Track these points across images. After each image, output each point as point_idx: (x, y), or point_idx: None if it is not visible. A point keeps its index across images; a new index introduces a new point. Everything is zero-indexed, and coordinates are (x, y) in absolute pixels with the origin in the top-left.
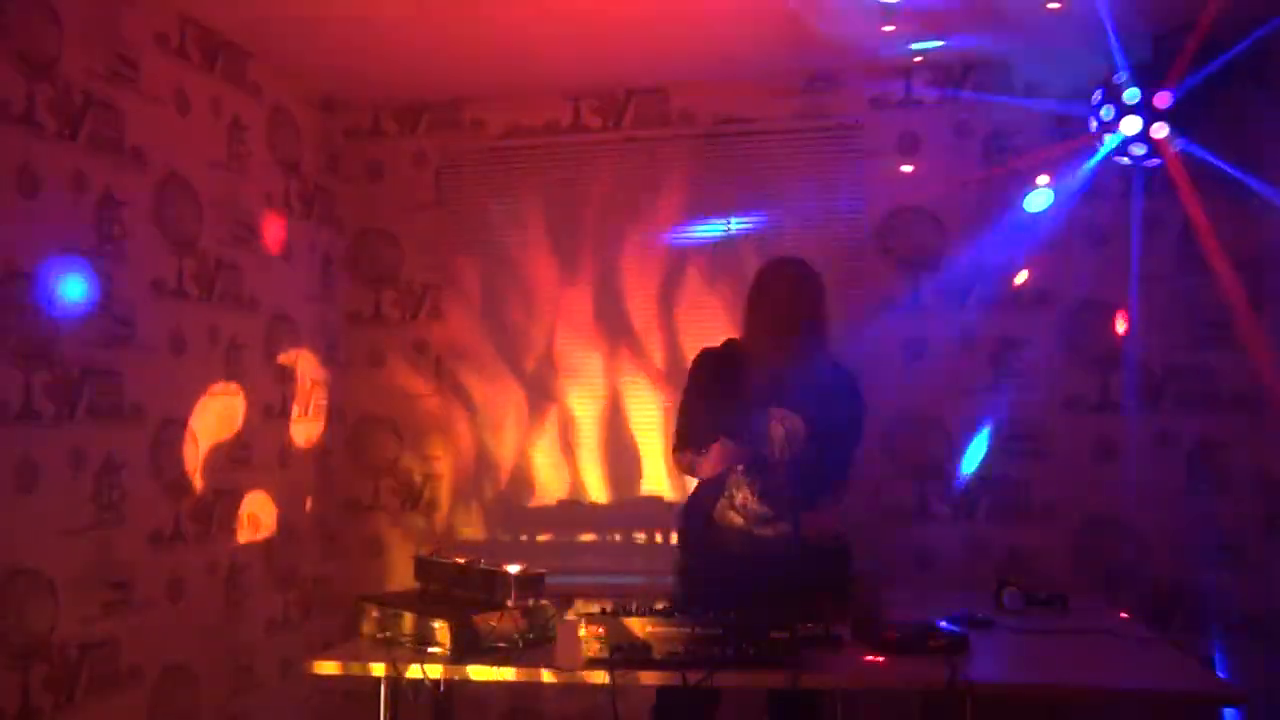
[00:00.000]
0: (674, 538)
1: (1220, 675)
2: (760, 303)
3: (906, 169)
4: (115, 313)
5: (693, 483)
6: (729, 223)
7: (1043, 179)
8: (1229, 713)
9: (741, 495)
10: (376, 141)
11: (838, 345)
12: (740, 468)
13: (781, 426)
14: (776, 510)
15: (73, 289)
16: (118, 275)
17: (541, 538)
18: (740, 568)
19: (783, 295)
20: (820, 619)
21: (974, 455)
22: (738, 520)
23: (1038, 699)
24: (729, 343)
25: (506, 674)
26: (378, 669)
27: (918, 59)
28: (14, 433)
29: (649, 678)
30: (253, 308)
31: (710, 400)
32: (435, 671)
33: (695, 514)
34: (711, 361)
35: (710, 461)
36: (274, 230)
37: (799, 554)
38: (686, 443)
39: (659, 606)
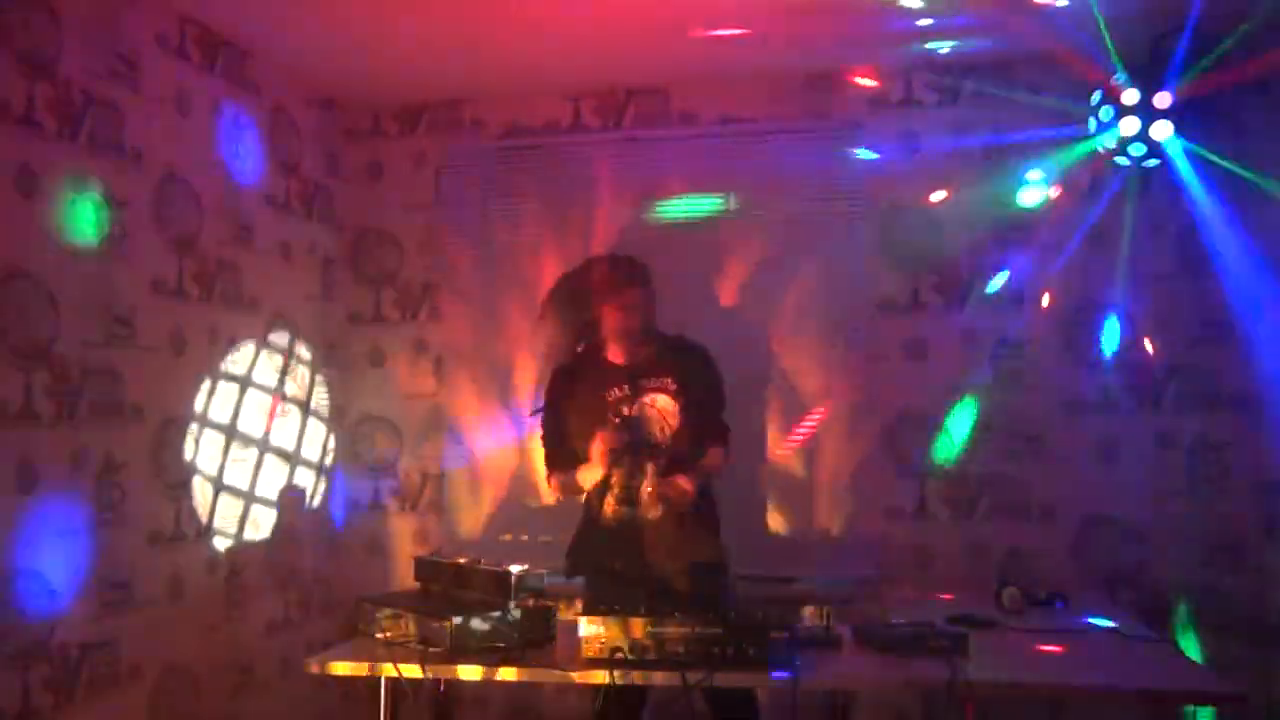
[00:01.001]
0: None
1: (1219, 675)
2: (604, 300)
3: (937, 197)
4: (115, 313)
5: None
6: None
7: (1042, 179)
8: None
9: (643, 482)
10: (376, 141)
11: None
12: (626, 459)
13: (654, 408)
14: (667, 486)
15: (73, 289)
16: (118, 275)
17: (542, 538)
18: (647, 557)
19: (616, 294)
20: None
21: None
22: (624, 512)
23: (1038, 699)
24: (580, 354)
25: (506, 674)
26: (378, 669)
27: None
28: (14, 433)
29: (649, 678)
30: (253, 308)
31: (575, 413)
32: (435, 671)
33: (585, 534)
34: (567, 377)
35: (589, 464)
36: (274, 230)
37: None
38: (560, 464)
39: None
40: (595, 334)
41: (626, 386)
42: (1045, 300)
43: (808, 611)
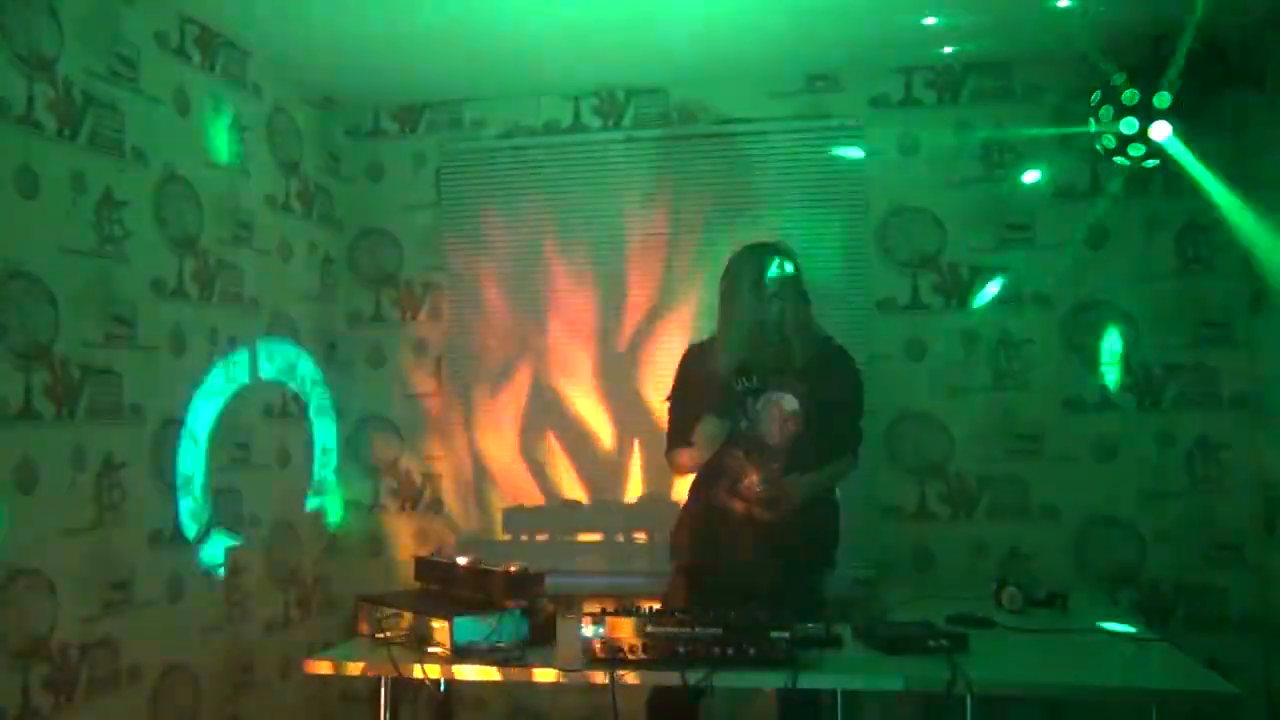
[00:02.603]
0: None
1: (1219, 675)
2: (738, 289)
3: (937, 198)
4: (115, 313)
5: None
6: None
7: (1042, 179)
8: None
9: (747, 480)
10: (376, 141)
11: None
12: (740, 453)
13: (778, 408)
14: (779, 490)
15: (73, 289)
16: (118, 275)
17: (541, 538)
18: (743, 555)
19: (760, 280)
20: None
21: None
22: (739, 507)
23: (1038, 699)
24: (714, 336)
25: (506, 674)
26: (378, 669)
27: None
28: (14, 433)
29: (649, 678)
30: (253, 308)
31: (701, 396)
32: (435, 671)
33: (694, 511)
34: (699, 357)
35: (701, 444)
36: (274, 230)
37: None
38: (680, 441)
39: (652, 608)
40: (741, 318)
41: (754, 378)
42: (1045, 300)
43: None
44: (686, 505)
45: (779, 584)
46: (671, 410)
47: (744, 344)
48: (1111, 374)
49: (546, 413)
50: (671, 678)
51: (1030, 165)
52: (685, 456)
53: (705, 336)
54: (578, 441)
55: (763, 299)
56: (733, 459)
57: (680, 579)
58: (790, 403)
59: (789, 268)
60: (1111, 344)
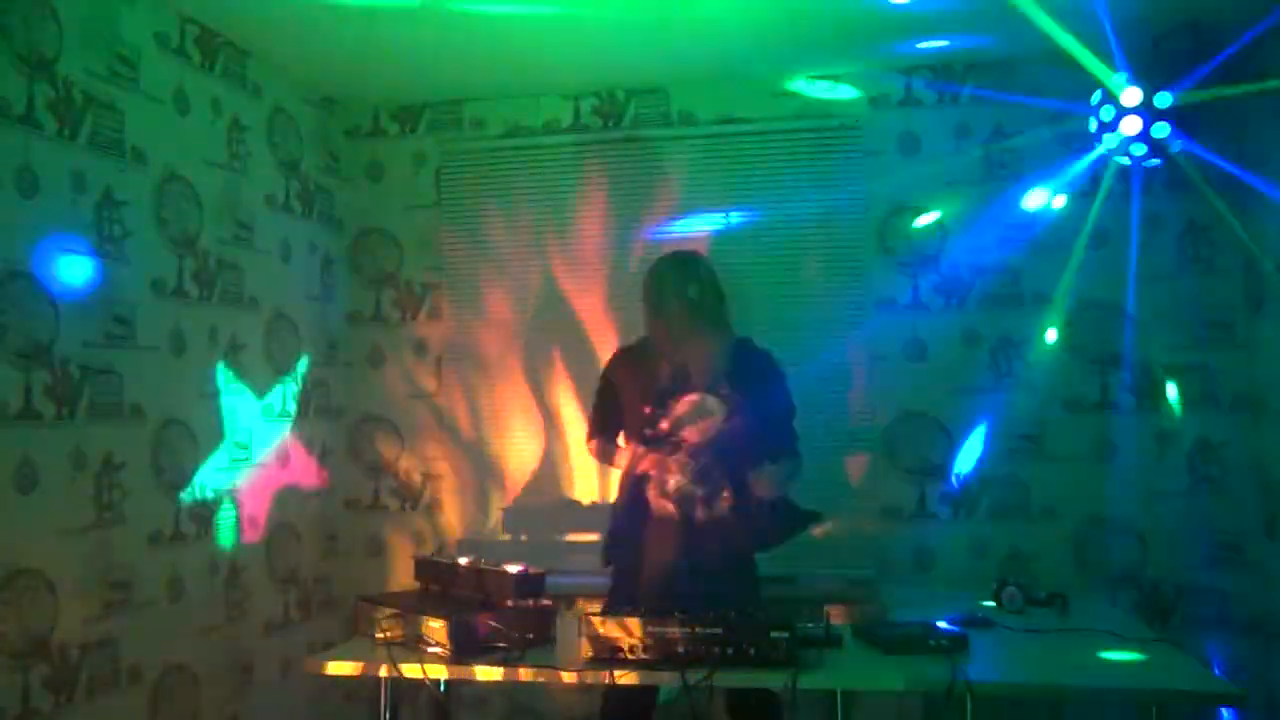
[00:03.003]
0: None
1: (1220, 675)
2: (659, 299)
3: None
4: (115, 313)
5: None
6: (727, 215)
7: (1042, 179)
8: (1227, 712)
9: (673, 480)
10: (376, 141)
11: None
12: (665, 453)
13: (697, 410)
14: (708, 489)
15: (73, 289)
16: (118, 275)
17: (543, 538)
18: (677, 556)
19: (678, 287)
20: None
21: (971, 454)
22: (669, 508)
23: (1038, 699)
24: (643, 340)
25: (507, 674)
26: (378, 669)
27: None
28: (14, 433)
29: (649, 678)
30: (253, 308)
31: (624, 396)
32: (435, 671)
33: (627, 510)
34: (624, 360)
35: (621, 447)
36: (274, 230)
37: (732, 530)
38: (598, 431)
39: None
40: (662, 324)
41: (677, 380)
42: (1045, 300)
43: (808, 612)
44: (616, 503)
45: (711, 580)
46: (593, 407)
47: (665, 348)
48: (1111, 374)
49: (546, 413)
50: (672, 678)
51: (1030, 165)
52: (598, 445)
53: (634, 339)
54: (578, 441)
55: (681, 305)
56: (659, 460)
57: (619, 579)
58: (711, 403)
59: (705, 274)
60: (1111, 344)
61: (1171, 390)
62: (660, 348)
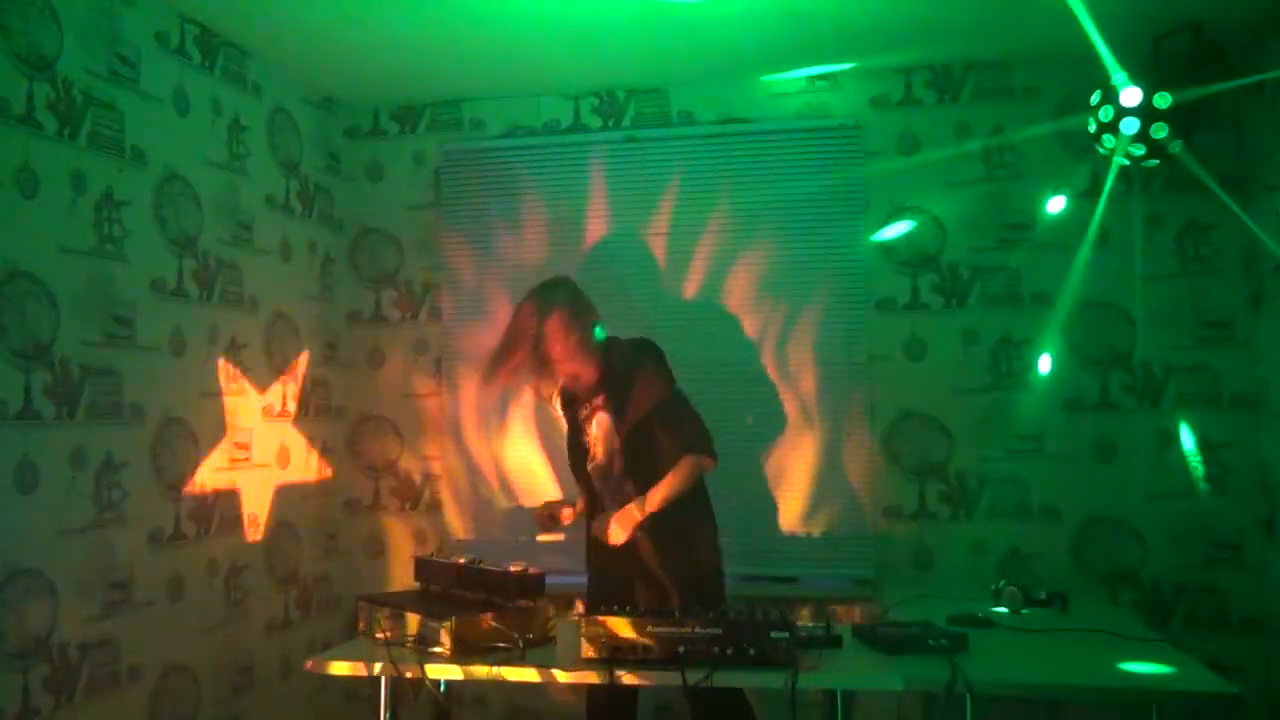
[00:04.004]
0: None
1: (1220, 675)
2: (520, 337)
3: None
4: (115, 313)
5: None
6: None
7: (1042, 179)
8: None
9: (596, 511)
10: (376, 141)
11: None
12: (587, 478)
13: (595, 427)
14: (621, 505)
15: (73, 289)
16: (118, 275)
17: (541, 538)
18: (627, 575)
19: (540, 317)
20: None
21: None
22: (602, 534)
23: (1038, 699)
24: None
25: (506, 674)
26: (378, 669)
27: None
28: (14, 433)
29: (649, 678)
30: (253, 308)
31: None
32: (435, 671)
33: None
34: (566, 400)
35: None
36: (274, 230)
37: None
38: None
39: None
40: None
41: (585, 408)
42: (1045, 300)
43: (807, 611)
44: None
45: (673, 591)
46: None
47: (550, 380)
48: (1111, 374)
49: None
50: (672, 678)
51: (1030, 165)
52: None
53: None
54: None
55: (546, 332)
56: (587, 485)
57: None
58: (603, 419)
59: (557, 297)
60: (1111, 344)
61: (1171, 390)
62: (547, 382)
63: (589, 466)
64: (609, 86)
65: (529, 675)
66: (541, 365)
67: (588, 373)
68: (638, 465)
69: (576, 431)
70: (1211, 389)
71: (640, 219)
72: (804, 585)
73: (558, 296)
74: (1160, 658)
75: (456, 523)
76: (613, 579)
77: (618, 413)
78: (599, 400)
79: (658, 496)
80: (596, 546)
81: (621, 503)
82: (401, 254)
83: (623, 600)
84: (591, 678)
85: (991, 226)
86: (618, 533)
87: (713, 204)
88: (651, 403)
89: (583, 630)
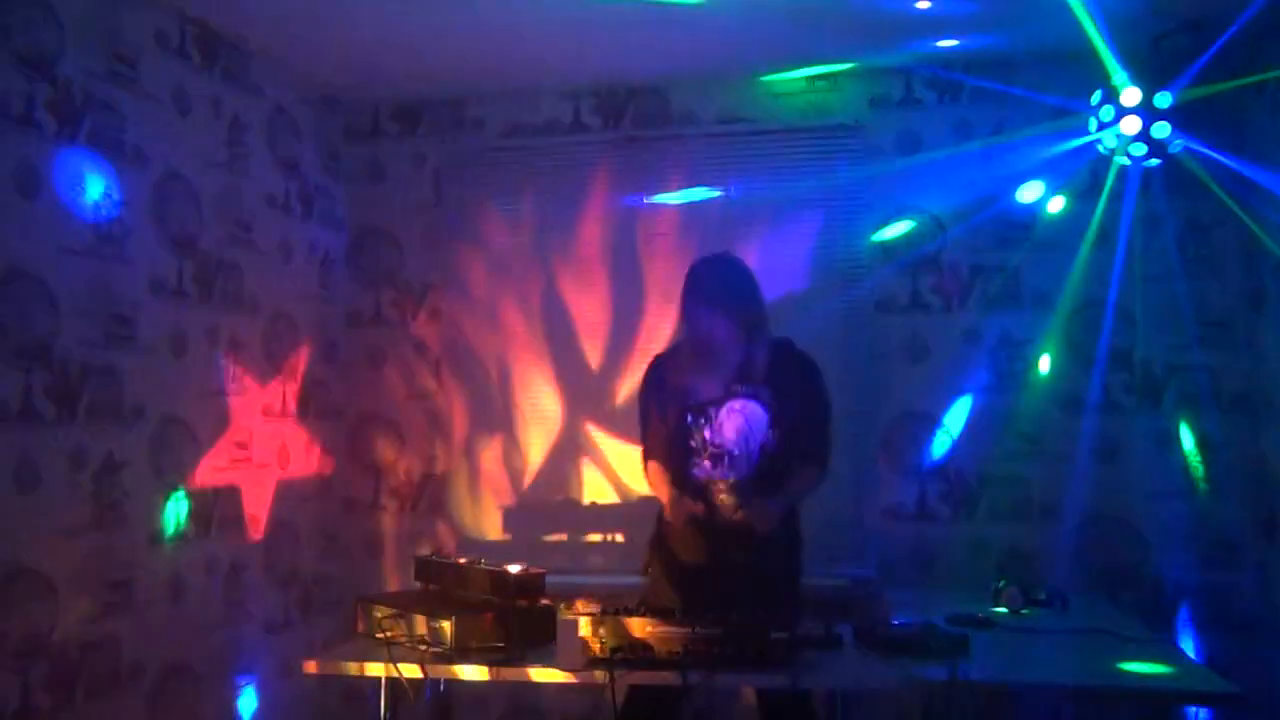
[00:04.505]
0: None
1: (1219, 675)
2: (696, 299)
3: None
4: (115, 313)
5: None
6: (727, 216)
7: (1042, 179)
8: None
9: (719, 499)
10: (376, 141)
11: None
12: (707, 465)
13: (740, 416)
14: (743, 501)
15: (73, 289)
16: (118, 275)
17: (542, 538)
18: (721, 572)
19: (719, 289)
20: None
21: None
22: (716, 516)
23: (1038, 699)
24: (678, 345)
25: (506, 674)
26: (378, 669)
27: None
28: (14, 433)
29: (649, 678)
30: (253, 308)
31: (666, 407)
32: (435, 671)
33: (671, 525)
34: (660, 369)
35: (667, 507)
36: (274, 230)
37: (754, 543)
38: (651, 455)
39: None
40: (700, 328)
41: (717, 388)
42: (1045, 300)
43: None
44: (660, 516)
45: (760, 597)
46: (641, 422)
47: (702, 354)
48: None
49: (546, 412)
50: (671, 678)
51: (1030, 165)
52: (659, 478)
53: (667, 348)
54: (578, 441)
55: (716, 310)
56: (700, 471)
57: (661, 588)
58: (754, 411)
59: (744, 276)
60: (1111, 344)
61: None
62: (701, 352)
63: (703, 455)
64: (609, 86)
65: (529, 675)
66: (731, 332)
67: (759, 359)
68: (774, 464)
69: (688, 416)
70: (1211, 389)
71: (640, 219)
72: (804, 585)
73: (738, 274)
74: (1160, 658)
75: (456, 523)
76: (694, 576)
77: (779, 408)
78: (758, 389)
79: (786, 499)
80: (689, 540)
81: (735, 496)
82: (401, 254)
83: (699, 600)
84: (591, 677)
85: (991, 226)
86: (764, 523)
87: (712, 204)
88: (819, 408)
89: (583, 630)
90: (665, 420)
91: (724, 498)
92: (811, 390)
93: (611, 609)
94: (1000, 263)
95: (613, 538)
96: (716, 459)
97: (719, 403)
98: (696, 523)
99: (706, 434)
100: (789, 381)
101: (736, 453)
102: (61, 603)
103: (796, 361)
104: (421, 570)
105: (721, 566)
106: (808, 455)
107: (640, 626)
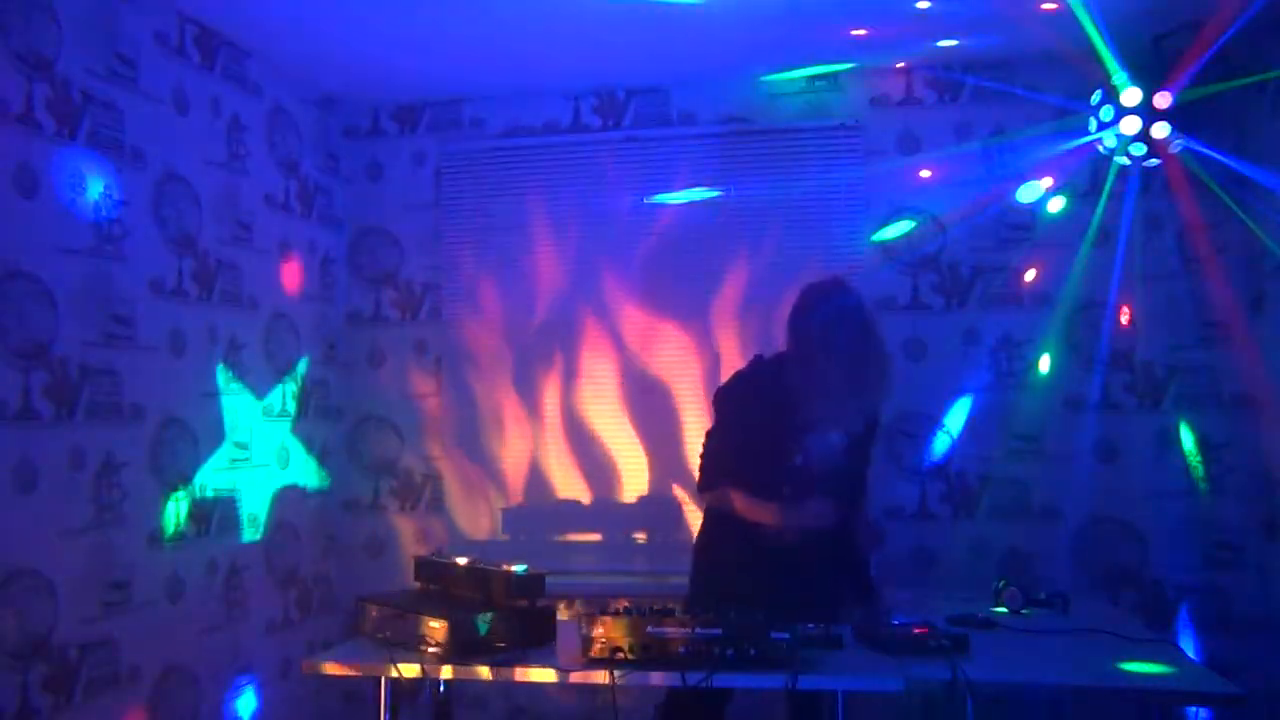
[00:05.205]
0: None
1: (1219, 675)
2: (822, 333)
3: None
4: (115, 313)
5: None
6: (727, 216)
7: (1042, 179)
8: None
9: (791, 518)
10: (376, 141)
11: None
12: (789, 489)
13: (826, 441)
14: (817, 523)
15: (73, 289)
16: (118, 275)
17: (543, 538)
18: (773, 570)
19: (848, 333)
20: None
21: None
22: (783, 538)
23: (1038, 699)
24: (762, 363)
25: (506, 674)
26: (378, 669)
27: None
28: (13, 433)
29: (649, 678)
30: (253, 308)
31: (746, 431)
32: (435, 672)
33: (734, 542)
34: (743, 388)
35: (742, 508)
36: (274, 230)
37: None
38: (716, 483)
39: (670, 606)
40: (816, 358)
41: (805, 413)
42: (1045, 300)
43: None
44: (715, 531)
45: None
46: (710, 444)
47: (819, 383)
48: (1112, 374)
49: (546, 412)
50: (671, 678)
51: (1030, 165)
52: (746, 500)
53: (770, 355)
54: (578, 441)
55: (856, 347)
56: (769, 483)
57: (703, 586)
58: (838, 438)
59: (871, 318)
60: (1111, 344)
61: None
62: (803, 376)
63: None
64: (609, 86)
65: (529, 675)
66: (855, 372)
67: (832, 370)
68: (839, 482)
69: (778, 428)
70: (1211, 389)
71: (640, 219)
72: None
73: (862, 308)
74: (1161, 658)
75: (456, 523)
76: (757, 577)
77: (856, 433)
78: (841, 413)
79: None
80: (756, 546)
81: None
82: (401, 254)
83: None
84: (591, 677)
85: (991, 226)
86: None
87: (712, 204)
88: (877, 426)
89: (583, 630)
90: (761, 436)
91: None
92: (879, 408)
93: (612, 609)
94: (1000, 263)
95: (612, 537)
96: (800, 483)
97: (810, 429)
98: (773, 548)
99: (798, 457)
100: (868, 402)
101: (814, 477)
102: (61, 603)
103: (875, 373)
104: (421, 570)
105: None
106: (858, 476)
107: (640, 626)
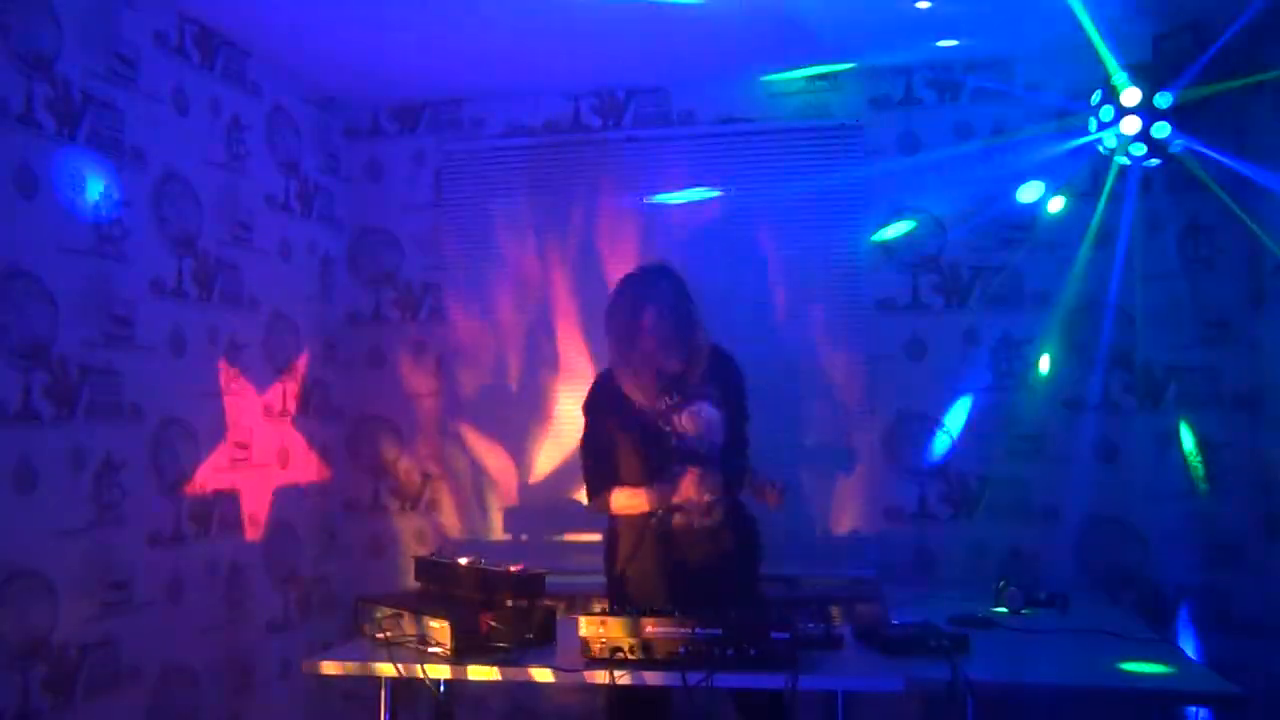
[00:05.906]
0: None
1: (1220, 675)
2: (635, 315)
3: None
4: (115, 313)
5: None
6: (727, 216)
7: (1042, 179)
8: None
9: (687, 492)
10: (376, 141)
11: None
12: (680, 469)
13: (698, 418)
14: (717, 497)
15: (73, 289)
16: (118, 275)
17: (543, 538)
18: (688, 563)
19: (653, 301)
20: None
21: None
22: (679, 520)
23: (1038, 699)
24: (617, 359)
25: (506, 674)
26: (378, 669)
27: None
28: (13, 433)
29: (649, 678)
30: (253, 308)
31: (617, 431)
32: (435, 671)
33: (638, 529)
34: (597, 391)
35: (618, 508)
36: (274, 230)
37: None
38: (600, 489)
39: (598, 609)
40: (643, 341)
41: (674, 395)
42: (1045, 300)
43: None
44: (620, 523)
45: (734, 589)
46: (590, 453)
47: (647, 365)
48: (1112, 374)
49: (546, 412)
50: (672, 678)
51: (1030, 165)
52: (623, 495)
53: (602, 369)
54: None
55: (662, 315)
56: (677, 475)
57: (629, 592)
58: (710, 411)
59: (677, 282)
60: (1112, 344)
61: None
62: (644, 364)
63: (673, 458)
64: (609, 86)
65: (529, 675)
66: (671, 340)
67: (697, 363)
68: (728, 459)
69: (643, 418)
70: (1211, 389)
71: (640, 219)
72: (804, 585)
73: (674, 282)
74: (1161, 658)
75: (456, 523)
76: (670, 573)
77: (728, 409)
78: (708, 389)
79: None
80: (664, 541)
81: (707, 492)
82: (401, 254)
83: (664, 591)
84: (591, 677)
85: (991, 226)
86: (704, 493)
87: (712, 204)
88: (747, 408)
89: (583, 630)
90: (629, 432)
91: (694, 496)
92: (740, 393)
93: (612, 609)
94: (1000, 263)
95: None
96: (689, 462)
97: (680, 407)
98: (677, 531)
99: (673, 440)
100: (726, 384)
101: (703, 452)
102: (61, 603)
103: (730, 364)
104: (421, 570)
105: (703, 569)
106: (740, 452)
107: (640, 626)
